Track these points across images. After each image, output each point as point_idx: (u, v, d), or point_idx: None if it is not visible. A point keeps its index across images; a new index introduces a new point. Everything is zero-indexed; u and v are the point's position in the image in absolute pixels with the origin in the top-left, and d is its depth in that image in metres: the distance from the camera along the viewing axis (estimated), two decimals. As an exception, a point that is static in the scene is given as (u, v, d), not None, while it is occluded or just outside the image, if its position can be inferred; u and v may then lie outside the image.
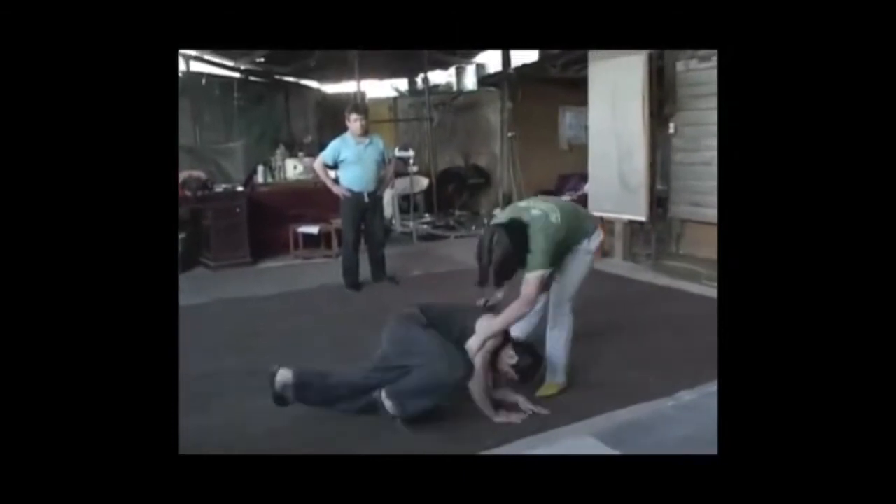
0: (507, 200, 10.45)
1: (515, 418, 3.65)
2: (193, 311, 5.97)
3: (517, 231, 3.68)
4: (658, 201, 7.53)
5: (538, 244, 3.67)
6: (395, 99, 13.07)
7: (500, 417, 3.64)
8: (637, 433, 3.44)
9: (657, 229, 7.59)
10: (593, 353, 4.71)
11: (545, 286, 3.87)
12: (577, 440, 3.37)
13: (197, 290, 6.81)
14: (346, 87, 11.97)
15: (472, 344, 3.60)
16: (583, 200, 8.99)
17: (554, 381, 4.06)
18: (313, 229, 8.34)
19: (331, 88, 12.69)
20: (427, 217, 10.39)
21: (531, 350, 3.82)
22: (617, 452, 3.19)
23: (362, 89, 11.00)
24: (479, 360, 3.57)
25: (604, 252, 7.90)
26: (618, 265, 7.58)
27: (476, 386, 3.58)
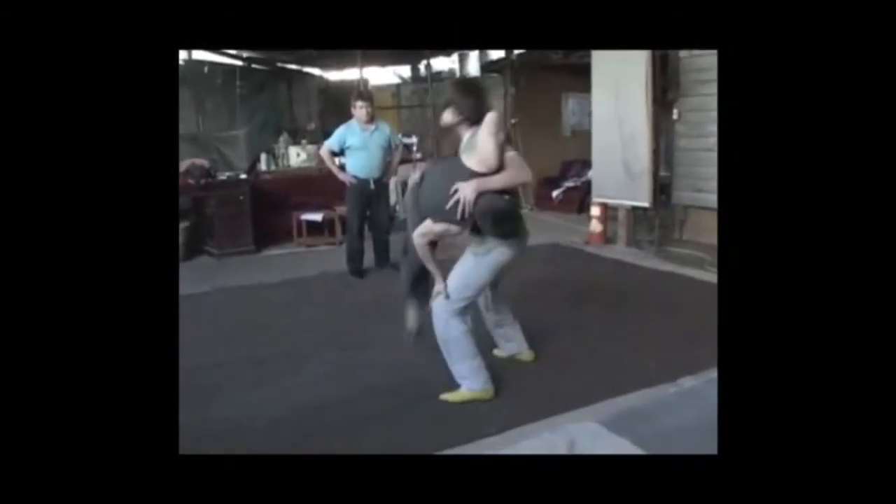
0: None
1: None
2: (196, 300, 5.99)
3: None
4: (661, 187, 7.51)
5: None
6: (398, 86, 13.04)
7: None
8: (640, 419, 3.45)
9: (660, 215, 7.58)
10: (597, 340, 4.73)
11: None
12: (580, 426, 3.38)
13: (200, 278, 6.83)
14: (348, 74, 11.95)
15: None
16: (586, 187, 9.02)
17: (465, 388, 3.84)
18: (317, 217, 8.34)
19: (333, 76, 12.66)
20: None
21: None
22: (620, 438, 3.19)
23: (365, 76, 10.98)
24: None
25: (607, 238, 7.92)
26: (621, 251, 7.58)
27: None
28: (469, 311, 3.82)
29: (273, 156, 9.32)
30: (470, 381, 3.81)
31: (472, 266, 3.71)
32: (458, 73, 12.72)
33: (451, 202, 3.41)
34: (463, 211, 3.40)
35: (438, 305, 3.76)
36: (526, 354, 4.32)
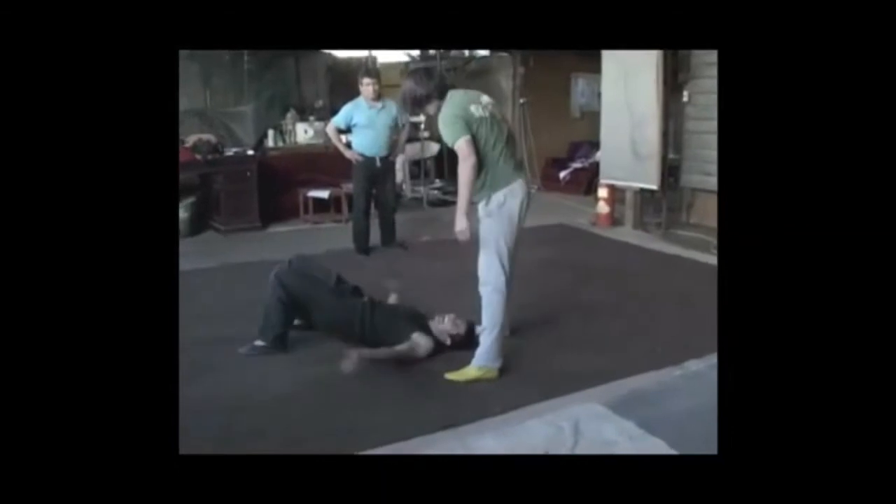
0: (519, 167, 10.40)
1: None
2: (203, 275, 6.00)
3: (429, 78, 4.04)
4: (669, 170, 7.49)
5: (445, 115, 3.84)
6: (406, 64, 12.95)
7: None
8: (645, 402, 3.45)
9: (668, 198, 7.55)
10: (603, 322, 4.72)
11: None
12: (585, 407, 3.38)
13: (206, 254, 6.84)
14: (357, 51, 11.87)
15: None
16: (594, 169, 8.99)
17: (476, 363, 3.87)
18: (323, 194, 8.33)
19: (342, 53, 12.59)
20: (437, 183, 10.34)
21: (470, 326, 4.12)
22: (625, 420, 3.20)
23: (374, 54, 10.91)
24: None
25: (614, 220, 7.91)
26: (628, 234, 7.56)
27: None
28: (509, 284, 3.86)
29: (280, 132, 9.29)
30: (486, 357, 3.84)
31: (486, 227, 3.80)
32: (467, 52, 12.63)
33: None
34: None
35: (484, 271, 3.83)
36: None
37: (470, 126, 3.74)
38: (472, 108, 3.80)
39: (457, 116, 3.77)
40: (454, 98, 3.88)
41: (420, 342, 4.03)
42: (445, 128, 3.80)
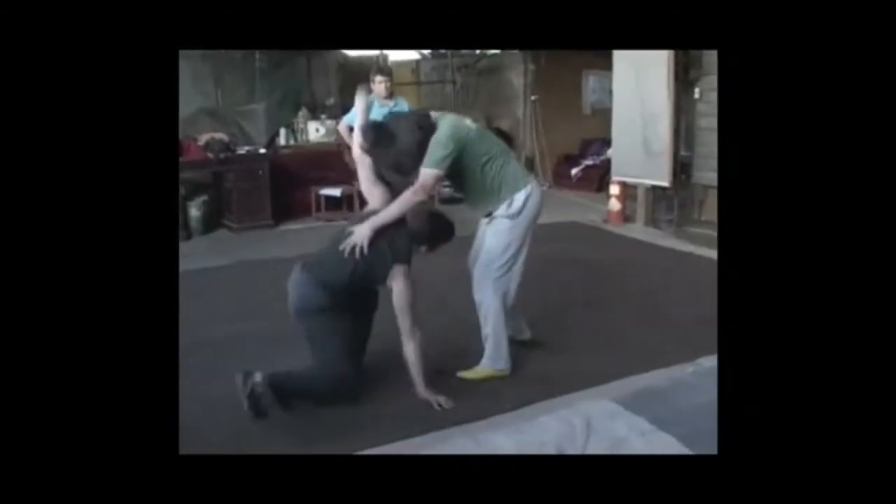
0: (530, 164, 10.42)
1: (442, 401, 3.51)
2: (215, 273, 6.03)
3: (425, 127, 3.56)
4: (681, 167, 7.48)
5: (440, 136, 3.50)
6: (417, 62, 12.96)
7: (427, 395, 3.54)
8: (657, 398, 3.44)
9: (680, 195, 7.54)
10: (615, 319, 4.72)
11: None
12: (596, 404, 3.38)
13: (219, 251, 6.87)
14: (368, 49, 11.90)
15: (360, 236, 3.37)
16: (606, 165, 8.98)
17: (486, 365, 3.86)
18: (335, 192, 8.35)
19: (353, 51, 12.62)
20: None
21: (437, 219, 3.70)
22: (637, 417, 3.19)
23: (385, 52, 10.93)
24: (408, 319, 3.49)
25: (626, 217, 7.90)
26: (640, 231, 7.56)
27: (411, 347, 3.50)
28: (506, 282, 3.78)
29: (292, 130, 9.33)
30: (494, 360, 3.82)
31: (506, 230, 3.67)
32: (477, 51, 12.64)
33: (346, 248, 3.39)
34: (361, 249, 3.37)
35: (481, 273, 3.76)
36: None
37: (462, 146, 3.53)
38: (468, 122, 3.72)
39: (449, 138, 3.50)
40: (446, 119, 3.65)
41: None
42: (433, 148, 3.49)
